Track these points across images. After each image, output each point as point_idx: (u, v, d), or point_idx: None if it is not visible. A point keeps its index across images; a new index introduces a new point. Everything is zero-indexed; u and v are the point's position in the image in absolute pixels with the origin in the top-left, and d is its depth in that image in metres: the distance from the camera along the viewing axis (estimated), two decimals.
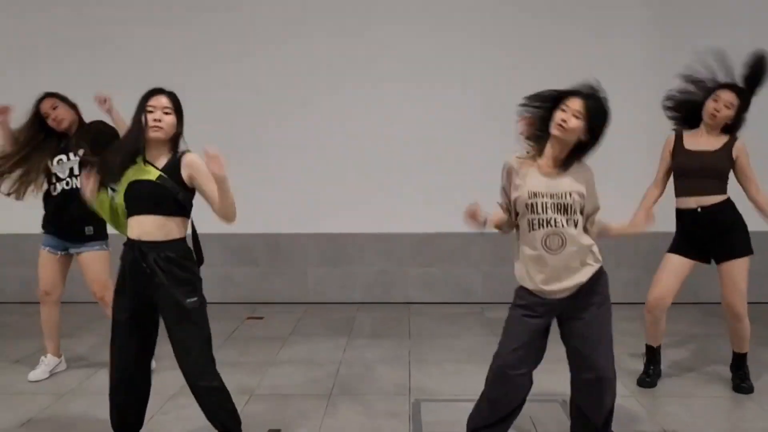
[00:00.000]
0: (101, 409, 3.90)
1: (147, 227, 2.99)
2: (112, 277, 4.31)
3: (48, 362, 4.56)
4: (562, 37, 6.52)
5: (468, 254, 6.69)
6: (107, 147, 3.59)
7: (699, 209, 4.08)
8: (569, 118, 2.88)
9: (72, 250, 4.45)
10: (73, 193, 4.21)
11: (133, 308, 3.04)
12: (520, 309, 3.07)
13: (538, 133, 2.98)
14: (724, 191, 4.10)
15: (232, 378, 3.72)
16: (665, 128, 4.38)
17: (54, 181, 4.34)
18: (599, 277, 3.02)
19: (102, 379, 4.47)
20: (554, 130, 2.92)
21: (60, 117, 4.30)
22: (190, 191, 3.08)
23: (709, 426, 3.72)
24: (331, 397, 4.18)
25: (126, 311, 3.04)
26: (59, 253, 4.45)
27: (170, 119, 3.02)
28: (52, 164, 4.32)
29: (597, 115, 2.91)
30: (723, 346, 4.50)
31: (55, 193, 4.35)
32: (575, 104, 2.90)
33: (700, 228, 4.10)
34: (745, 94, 4.04)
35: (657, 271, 4.26)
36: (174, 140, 3.09)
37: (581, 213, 2.96)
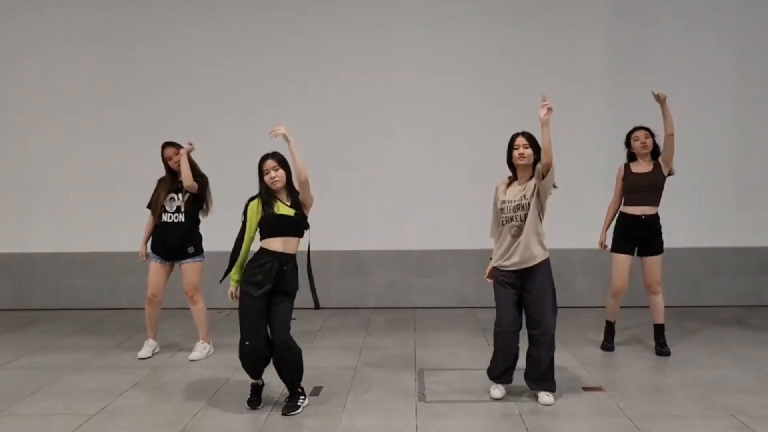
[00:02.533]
0: (185, 376, 5.38)
1: (290, 245, 4.50)
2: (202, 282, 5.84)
3: (150, 344, 5.99)
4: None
5: (462, 267, 8.08)
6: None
7: (643, 216, 5.71)
8: (523, 150, 4.55)
9: (177, 262, 5.88)
10: (177, 225, 5.74)
11: (264, 294, 4.44)
12: (497, 282, 4.66)
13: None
14: (658, 204, 5.76)
15: None
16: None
17: (162, 212, 5.76)
18: (544, 263, 4.61)
19: (182, 358, 5.92)
20: (518, 161, 4.59)
21: (176, 161, 5.75)
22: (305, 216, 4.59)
23: (633, 383, 5.11)
24: (357, 368, 5.59)
25: (257, 294, 4.43)
26: (167, 264, 5.87)
27: (281, 173, 4.46)
28: (165, 200, 5.76)
29: (533, 140, 4.58)
30: (645, 337, 6.00)
31: (162, 222, 5.77)
32: (520, 141, 4.57)
33: (639, 230, 5.73)
34: (648, 128, 5.75)
35: (613, 268, 5.87)
36: (290, 182, 4.53)
37: (536, 205, 4.54)
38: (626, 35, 8.01)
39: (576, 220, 7.45)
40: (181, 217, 5.78)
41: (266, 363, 4.59)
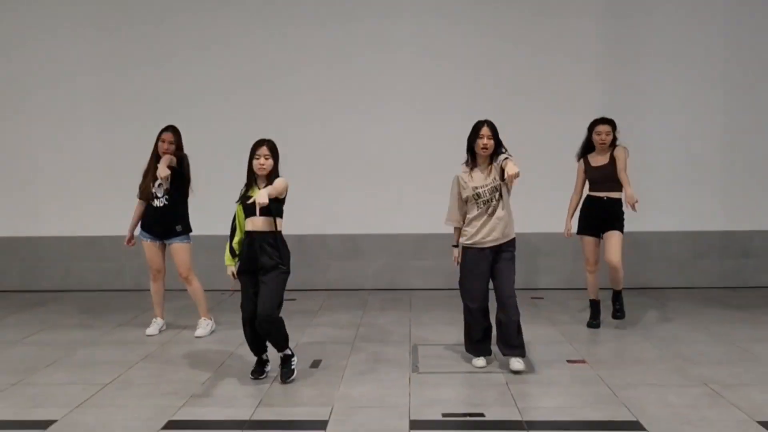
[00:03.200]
0: (192, 351, 5.67)
1: (257, 223, 4.74)
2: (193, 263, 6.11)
3: (158, 322, 6.30)
4: (532, 67, 8.29)
5: None
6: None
7: (605, 198, 6.05)
8: (486, 141, 4.83)
9: (166, 241, 6.15)
10: (166, 208, 6.02)
11: (248, 271, 4.77)
12: (471, 262, 4.95)
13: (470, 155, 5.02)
14: (621, 191, 6.02)
15: None
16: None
17: (153, 198, 6.04)
18: (512, 242, 4.97)
19: (187, 335, 6.22)
20: (481, 152, 4.88)
21: (166, 148, 6.00)
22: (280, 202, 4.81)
23: (615, 356, 5.45)
24: (354, 343, 5.90)
25: (243, 272, 4.79)
26: (158, 242, 6.15)
27: (270, 162, 4.75)
28: (153, 185, 6.02)
29: (495, 131, 4.87)
30: (631, 315, 6.30)
31: (153, 206, 6.04)
32: (485, 131, 4.84)
33: (600, 210, 6.06)
34: (612, 121, 6.05)
35: (583, 249, 6.24)
36: (272, 173, 4.80)
37: (505, 185, 4.91)
38: (618, 22, 8.27)
39: (566, 206, 7.71)
40: (168, 199, 6.03)
41: (262, 339, 4.88)
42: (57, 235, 8.58)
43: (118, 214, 8.29)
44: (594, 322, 6.34)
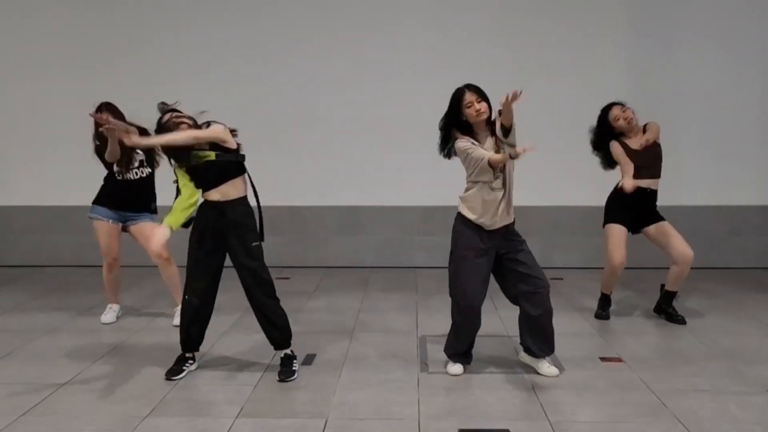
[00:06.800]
0: (167, 341, 4.93)
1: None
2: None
3: (115, 309, 5.55)
4: (548, 38, 7.46)
5: None
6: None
7: (648, 190, 5.22)
8: (478, 105, 4.00)
9: (131, 221, 5.32)
10: (142, 180, 5.26)
11: (214, 251, 4.11)
12: (470, 250, 4.20)
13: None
14: (660, 174, 5.26)
15: None
16: None
17: (129, 169, 5.20)
18: (514, 226, 4.19)
19: (164, 322, 5.49)
20: (478, 119, 4.03)
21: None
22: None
23: (651, 349, 4.74)
24: (354, 332, 5.17)
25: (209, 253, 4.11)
26: (119, 223, 5.34)
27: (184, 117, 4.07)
28: (130, 157, 5.17)
29: (482, 92, 4.05)
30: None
31: (125, 180, 5.21)
32: (471, 96, 4.02)
33: (643, 203, 5.24)
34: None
35: (610, 241, 5.29)
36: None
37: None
38: None
39: (587, 175, 6.96)
40: (147, 171, 5.28)
41: (198, 333, 4.28)
42: (29, 205, 7.82)
43: (95, 183, 7.54)
44: (603, 313, 5.54)
